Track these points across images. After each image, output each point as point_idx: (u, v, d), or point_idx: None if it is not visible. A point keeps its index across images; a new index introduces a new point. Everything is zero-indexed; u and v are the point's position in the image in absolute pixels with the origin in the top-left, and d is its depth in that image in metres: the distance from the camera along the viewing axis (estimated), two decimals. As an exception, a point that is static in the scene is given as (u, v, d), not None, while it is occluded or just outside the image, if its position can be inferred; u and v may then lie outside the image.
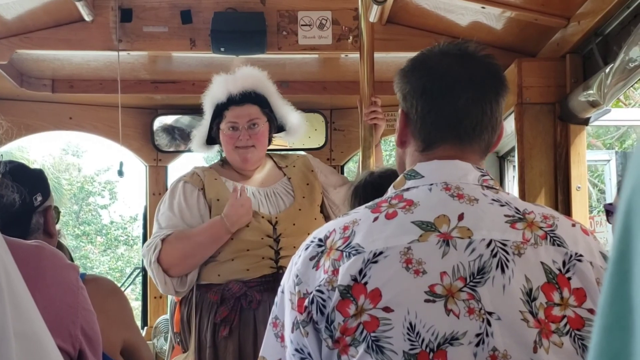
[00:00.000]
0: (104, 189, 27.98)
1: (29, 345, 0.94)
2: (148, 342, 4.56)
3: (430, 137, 1.66)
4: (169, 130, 5.02)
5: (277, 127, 3.67)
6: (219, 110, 3.57)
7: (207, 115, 3.61)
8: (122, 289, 5.82)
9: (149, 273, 3.51)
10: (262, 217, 3.49)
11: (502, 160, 4.57)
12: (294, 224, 3.50)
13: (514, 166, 4.22)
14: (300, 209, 3.56)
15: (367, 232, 1.57)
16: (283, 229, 3.48)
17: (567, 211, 3.53)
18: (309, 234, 1.69)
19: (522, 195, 3.59)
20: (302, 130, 3.78)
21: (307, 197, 3.61)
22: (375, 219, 1.59)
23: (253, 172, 3.64)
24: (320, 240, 1.61)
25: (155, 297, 4.87)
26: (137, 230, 24.86)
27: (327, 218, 3.58)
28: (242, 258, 3.43)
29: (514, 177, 4.32)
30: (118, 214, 28.00)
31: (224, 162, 3.68)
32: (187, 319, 3.46)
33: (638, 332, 0.51)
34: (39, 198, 2.08)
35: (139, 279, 5.28)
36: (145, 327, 4.81)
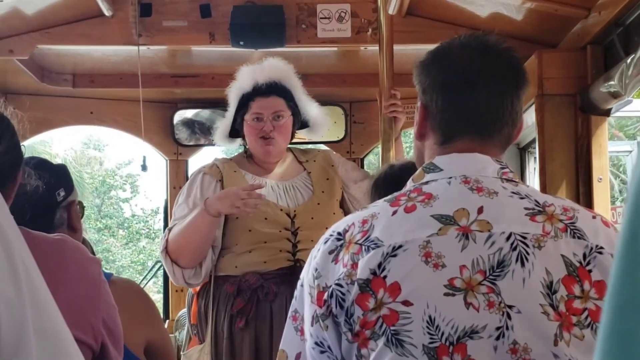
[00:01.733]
0: (126, 182, 28.11)
1: (48, 341, 0.95)
2: (170, 334, 4.58)
3: (450, 130, 1.65)
4: (189, 124, 5.04)
5: (300, 122, 3.66)
6: (245, 101, 3.56)
7: (232, 107, 3.61)
8: (144, 282, 5.86)
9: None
10: (281, 209, 3.49)
11: (523, 151, 4.55)
12: (312, 218, 3.49)
13: (535, 158, 4.20)
14: (319, 203, 3.55)
15: (386, 226, 1.56)
16: (301, 222, 3.47)
17: (588, 203, 3.51)
18: (326, 228, 1.69)
19: (543, 187, 3.58)
20: (325, 128, 3.77)
21: (327, 192, 3.60)
22: (394, 212, 1.58)
23: (274, 165, 3.62)
24: (339, 234, 1.61)
25: (176, 291, 4.89)
26: (159, 223, 24.97)
27: (346, 213, 3.56)
28: (259, 250, 3.43)
29: (535, 168, 4.30)
30: (139, 207, 28.13)
31: (247, 155, 3.67)
32: (204, 310, 3.47)
33: None
34: (62, 193, 2.10)
35: (161, 272, 5.29)
36: (167, 320, 4.83)
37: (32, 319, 0.91)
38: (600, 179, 3.55)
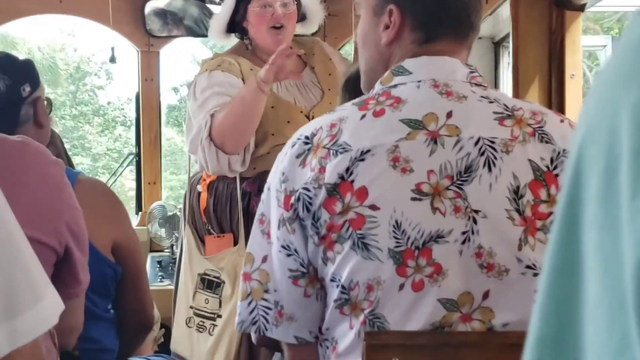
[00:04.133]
0: (101, 69, 27.74)
1: (2, 248, 0.94)
2: (142, 227, 4.59)
3: (435, 30, 1.63)
4: (160, 14, 4.93)
5: (300, 14, 3.50)
6: None
7: None
8: (120, 169, 5.84)
9: (199, 156, 3.19)
10: (301, 111, 3.36)
11: (497, 46, 4.52)
12: None
13: (509, 52, 4.17)
14: (330, 103, 3.42)
15: (355, 130, 1.55)
16: None
17: (560, 99, 3.50)
18: None
19: (516, 83, 3.56)
20: (320, 19, 3.62)
21: (332, 89, 3.47)
22: (363, 116, 1.57)
23: None
24: (306, 137, 1.61)
25: (149, 183, 4.88)
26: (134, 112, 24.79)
27: None
28: (279, 151, 3.24)
29: (509, 63, 4.27)
30: (115, 95, 27.86)
31: (249, 49, 3.41)
32: (219, 208, 3.31)
33: (587, 278, 0.51)
34: (27, 89, 2.06)
35: (134, 164, 5.25)
36: (140, 212, 4.84)
37: None
38: (573, 75, 3.53)
